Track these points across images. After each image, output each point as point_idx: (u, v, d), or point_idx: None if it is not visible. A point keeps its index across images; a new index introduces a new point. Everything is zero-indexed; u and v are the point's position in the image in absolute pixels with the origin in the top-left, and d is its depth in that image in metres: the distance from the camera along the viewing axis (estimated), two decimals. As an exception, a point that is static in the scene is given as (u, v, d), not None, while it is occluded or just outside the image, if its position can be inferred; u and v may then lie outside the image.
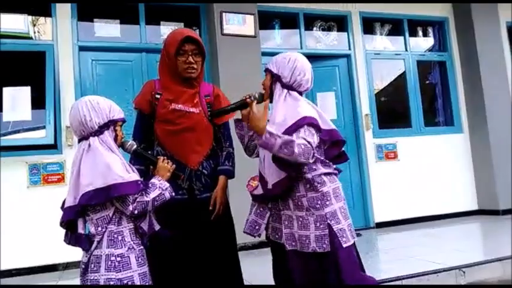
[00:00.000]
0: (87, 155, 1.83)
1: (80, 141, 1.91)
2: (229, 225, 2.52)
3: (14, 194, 4.22)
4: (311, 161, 2.02)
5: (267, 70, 2.28)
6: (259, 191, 2.29)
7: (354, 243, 2.11)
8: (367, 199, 5.59)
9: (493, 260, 3.45)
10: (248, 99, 2.28)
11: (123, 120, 1.99)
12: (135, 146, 2.08)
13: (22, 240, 4.14)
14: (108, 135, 1.90)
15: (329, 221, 2.03)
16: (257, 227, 2.33)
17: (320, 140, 2.13)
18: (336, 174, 2.18)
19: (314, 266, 2.05)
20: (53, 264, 4.20)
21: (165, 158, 2.10)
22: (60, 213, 1.87)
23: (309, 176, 2.06)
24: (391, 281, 3.09)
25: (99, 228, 1.78)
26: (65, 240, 1.90)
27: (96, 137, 1.86)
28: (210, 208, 2.38)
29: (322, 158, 2.14)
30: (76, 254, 2.05)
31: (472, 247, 4.26)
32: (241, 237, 2.54)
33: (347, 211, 2.13)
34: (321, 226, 2.02)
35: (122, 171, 1.80)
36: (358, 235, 4.98)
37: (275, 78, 2.22)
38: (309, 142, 1.98)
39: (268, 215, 2.30)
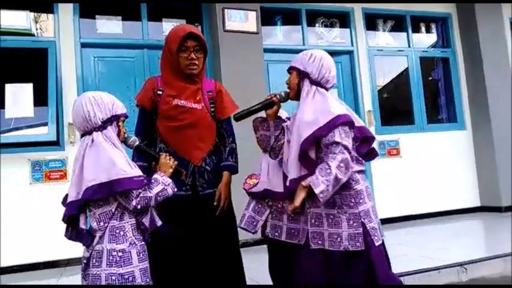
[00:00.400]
0: (91, 150, 1.82)
1: (82, 136, 1.90)
2: (232, 222, 2.52)
3: (16, 190, 4.23)
4: (353, 165, 2.00)
5: (292, 68, 2.23)
6: (258, 188, 2.29)
7: (383, 241, 2.10)
8: (369, 196, 5.58)
9: (495, 257, 3.45)
10: (274, 98, 2.27)
11: (126, 116, 1.99)
12: (137, 142, 2.07)
13: (24, 237, 4.15)
14: (111, 130, 1.89)
15: (363, 220, 2.01)
16: (254, 223, 2.34)
17: (353, 137, 2.10)
18: (364, 172, 2.17)
19: (340, 265, 2.02)
20: (55, 261, 4.21)
21: (167, 154, 2.10)
22: (63, 209, 1.87)
23: None
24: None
25: (101, 223, 1.78)
26: (65, 235, 1.90)
27: (99, 132, 1.85)
28: (215, 203, 2.38)
29: (355, 155, 2.11)
30: (78, 250, 2.06)
31: (474, 244, 4.26)
32: (243, 234, 2.54)
33: (376, 210, 2.13)
34: (354, 224, 2.00)
35: (126, 166, 1.79)
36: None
37: (303, 75, 2.17)
38: (345, 147, 1.96)
39: (268, 212, 2.29)
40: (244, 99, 4.20)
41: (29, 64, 4.62)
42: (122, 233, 1.80)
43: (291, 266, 2.24)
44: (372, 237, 2.01)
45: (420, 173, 5.84)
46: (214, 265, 2.38)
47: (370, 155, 2.25)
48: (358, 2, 5.89)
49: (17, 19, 4.63)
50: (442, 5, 6.40)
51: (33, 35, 4.64)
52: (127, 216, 1.84)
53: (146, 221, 1.89)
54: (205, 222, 2.38)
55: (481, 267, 3.35)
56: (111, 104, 1.90)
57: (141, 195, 1.80)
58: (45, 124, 4.43)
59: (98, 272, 1.75)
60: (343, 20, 5.97)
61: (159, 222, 1.95)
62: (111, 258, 1.75)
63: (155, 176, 1.94)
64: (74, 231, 1.86)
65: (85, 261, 1.79)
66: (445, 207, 5.91)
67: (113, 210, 1.80)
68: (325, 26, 5.90)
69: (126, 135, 2.01)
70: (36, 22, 4.70)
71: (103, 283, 1.74)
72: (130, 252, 1.79)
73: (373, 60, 5.95)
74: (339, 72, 5.80)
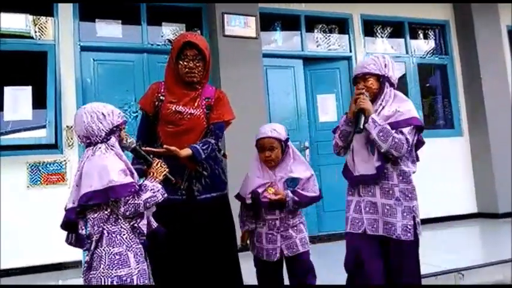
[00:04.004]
0: (90, 159, 1.89)
1: (87, 147, 1.96)
2: (230, 227, 2.52)
3: (14, 193, 4.21)
4: (402, 152, 2.24)
5: (368, 74, 2.36)
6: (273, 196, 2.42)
7: None
8: (367, 201, 5.58)
9: (493, 263, 3.46)
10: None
11: (125, 122, 2.06)
12: (134, 144, 2.10)
13: (22, 240, 4.13)
14: (114, 140, 1.96)
15: (414, 214, 2.28)
16: (274, 252, 2.48)
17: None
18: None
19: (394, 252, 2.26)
20: (53, 264, 4.19)
21: (160, 161, 2.11)
22: (60, 213, 1.93)
23: (405, 168, 2.31)
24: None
25: (95, 228, 1.85)
26: (66, 241, 1.98)
27: (103, 143, 1.92)
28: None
29: (414, 158, 2.41)
30: (76, 253, 2.08)
31: (471, 250, 4.26)
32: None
33: None
34: (408, 216, 2.25)
35: (118, 175, 1.85)
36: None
37: (383, 79, 2.35)
38: (407, 140, 2.22)
39: (280, 237, 2.47)
40: (243, 103, 4.25)
41: (28, 67, 4.63)
42: (118, 236, 1.87)
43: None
44: (418, 230, 2.29)
45: (417, 179, 5.81)
46: (211, 270, 2.38)
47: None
48: (356, 2, 5.92)
49: (16, 22, 4.64)
50: (440, 12, 6.45)
51: (32, 37, 4.64)
52: (121, 220, 1.89)
53: (142, 225, 1.93)
54: (203, 227, 2.38)
55: (478, 273, 3.36)
56: (111, 115, 1.97)
57: (129, 202, 1.86)
58: (44, 127, 4.43)
59: (98, 275, 1.82)
60: (342, 26, 6.00)
61: (154, 224, 2.01)
62: (109, 261, 1.82)
63: (145, 182, 1.99)
64: (73, 237, 1.96)
65: (86, 265, 1.86)
66: (442, 213, 5.92)
67: (107, 215, 1.87)
68: (324, 32, 5.93)
69: (125, 138, 2.06)
70: (35, 25, 4.70)
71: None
72: (127, 255, 1.86)
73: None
74: (337, 78, 5.84)
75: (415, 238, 2.25)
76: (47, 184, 4.31)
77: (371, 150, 2.28)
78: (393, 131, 2.20)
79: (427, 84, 6.65)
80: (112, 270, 1.81)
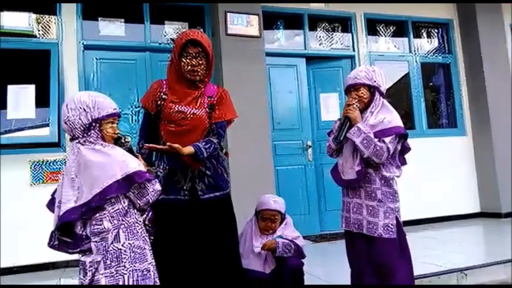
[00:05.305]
0: (94, 153, 1.79)
1: (71, 140, 1.86)
2: (232, 227, 2.52)
3: (16, 191, 4.23)
4: (383, 160, 2.35)
5: (360, 84, 2.45)
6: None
7: None
8: (369, 200, 5.57)
9: (495, 263, 3.45)
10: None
11: (118, 116, 1.93)
12: (129, 144, 2.00)
13: (24, 238, 4.15)
14: (95, 135, 1.84)
15: (396, 214, 2.40)
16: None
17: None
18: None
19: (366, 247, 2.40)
20: (55, 262, 4.21)
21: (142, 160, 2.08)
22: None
23: (386, 174, 2.40)
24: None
25: (115, 221, 1.76)
26: (48, 244, 1.86)
27: (85, 137, 1.82)
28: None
29: (399, 164, 2.48)
30: (77, 252, 2.07)
31: (474, 250, 4.26)
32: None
33: None
34: (390, 216, 2.37)
35: (136, 162, 1.82)
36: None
37: (374, 89, 2.46)
38: (387, 148, 2.33)
39: None
40: (246, 102, 4.25)
41: (32, 65, 4.64)
42: (135, 230, 1.82)
43: None
44: (401, 229, 2.40)
45: (420, 178, 5.83)
46: (214, 269, 2.38)
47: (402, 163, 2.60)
48: (360, 2, 5.91)
49: (19, 20, 4.65)
50: (444, 10, 6.43)
51: (35, 36, 4.65)
52: (137, 214, 1.86)
53: (149, 220, 1.92)
54: (206, 227, 2.37)
55: (481, 273, 3.36)
56: (92, 107, 1.83)
57: (150, 189, 1.83)
58: (47, 125, 4.46)
59: (117, 271, 1.73)
60: (345, 25, 5.99)
61: None
62: (133, 254, 1.77)
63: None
64: (56, 239, 1.84)
65: (96, 265, 1.74)
66: (444, 212, 5.91)
67: (125, 208, 1.80)
68: (327, 30, 5.92)
69: (119, 136, 1.94)
70: (39, 23, 4.71)
71: (126, 281, 1.73)
72: (145, 248, 1.83)
73: (374, 65, 5.95)
74: (340, 77, 5.83)
75: (398, 236, 2.38)
76: (49, 182, 4.32)
77: (356, 157, 2.42)
78: (376, 140, 2.33)
79: (430, 83, 6.64)
80: (136, 264, 1.76)
